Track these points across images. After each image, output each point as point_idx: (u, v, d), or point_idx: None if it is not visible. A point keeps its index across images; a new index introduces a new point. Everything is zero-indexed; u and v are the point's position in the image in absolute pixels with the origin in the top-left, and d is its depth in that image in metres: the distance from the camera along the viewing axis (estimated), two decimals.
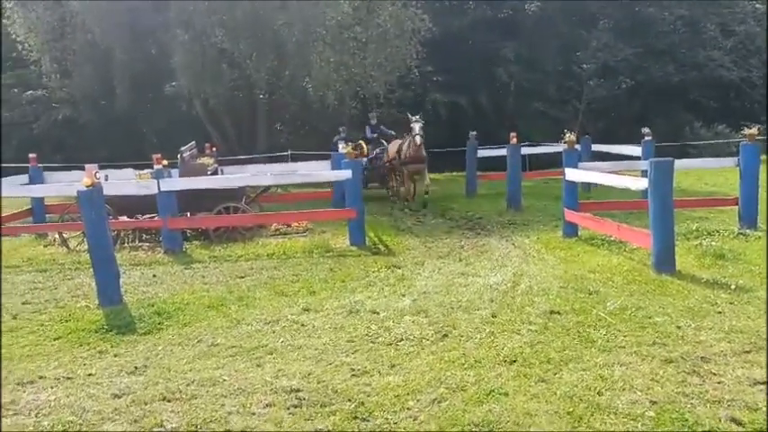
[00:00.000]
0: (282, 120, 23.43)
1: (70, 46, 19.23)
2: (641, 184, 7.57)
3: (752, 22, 27.73)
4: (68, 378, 4.55)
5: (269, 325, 5.57)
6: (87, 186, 6.36)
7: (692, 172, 15.04)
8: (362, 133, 15.77)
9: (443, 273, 7.31)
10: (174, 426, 3.77)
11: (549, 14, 26.08)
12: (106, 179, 8.93)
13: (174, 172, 10.32)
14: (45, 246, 10.17)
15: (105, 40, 18.28)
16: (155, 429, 3.75)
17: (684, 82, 26.57)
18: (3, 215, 10.24)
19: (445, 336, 5.09)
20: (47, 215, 11.57)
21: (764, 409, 3.67)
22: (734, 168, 9.46)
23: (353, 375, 4.38)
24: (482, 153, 15.11)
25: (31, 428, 3.83)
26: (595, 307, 5.59)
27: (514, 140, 12.89)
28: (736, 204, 9.13)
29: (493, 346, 4.82)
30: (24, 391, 4.34)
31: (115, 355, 5.02)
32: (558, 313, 5.50)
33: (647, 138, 13.14)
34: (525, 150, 14.99)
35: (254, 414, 3.87)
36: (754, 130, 8.96)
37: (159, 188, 9.03)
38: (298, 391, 4.15)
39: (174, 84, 20.40)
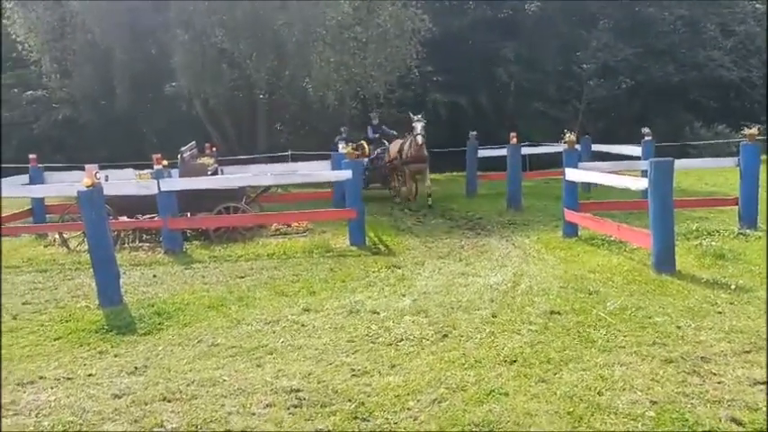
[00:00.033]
0: (283, 120, 23.43)
1: (70, 46, 19.23)
2: (641, 184, 7.57)
3: (752, 22, 27.73)
4: (68, 378, 4.55)
5: (269, 325, 5.57)
6: (87, 186, 6.36)
7: (692, 172, 15.04)
8: (364, 133, 15.71)
9: (443, 273, 7.31)
10: (174, 426, 3.78)
11: (549, 14, 26.07)
12: (106, 179, 8.91)
13: (174, 172, 10.31)
14: (45, 246, 10.17)
15: (105, 40, 18.28)
16: (155, 429, 3.75)
17: (684, 82, 26.57)
18: (3, 215, 10.23)
19: (445, 336, 5.09)
20: (47, 215, 11.56)
21: (764, 409, 3.67)
22: (734, 168, 9.47)
23: (354, 375, 4.39)
24: (482, 153, 15.10)
25: (32, 429, 3.83)
26: (595, 307, 5.59)
27: (514, 140, 12.88)
28: (736, 204, 9.13)
29: (493, 346, 4.82)
30: (24, 392, 4.35)
31: (115, 356, 5.02)
32: (559, 313, 5.50)
33: (647, 138, 13.13)
34: (525, 150, 14.98)
35: (254, 414, 3.87)
36: (754, 130, 8.97)
37: (159, 188, 9.03)
38: (298, 391, 4.15)
39: (174, 84, 20.41)
